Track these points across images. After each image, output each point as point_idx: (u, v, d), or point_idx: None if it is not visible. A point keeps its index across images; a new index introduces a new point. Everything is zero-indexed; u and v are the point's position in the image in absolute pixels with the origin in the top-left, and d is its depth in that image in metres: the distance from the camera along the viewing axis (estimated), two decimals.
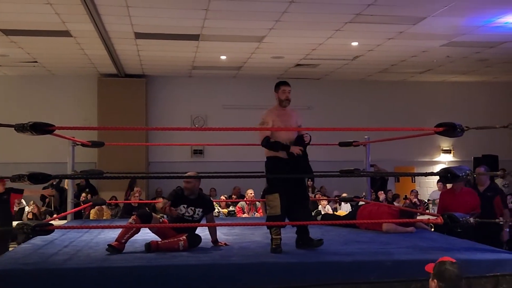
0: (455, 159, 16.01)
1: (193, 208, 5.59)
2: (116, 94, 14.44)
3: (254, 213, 11.42)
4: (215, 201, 12.20)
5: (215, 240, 5.61)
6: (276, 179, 5.38)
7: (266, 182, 5.68)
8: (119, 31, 10.25)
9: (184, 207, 5.59)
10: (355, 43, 11.32)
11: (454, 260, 3.54)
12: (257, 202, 11.57)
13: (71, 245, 5.62)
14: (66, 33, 10.27)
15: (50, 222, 5.01)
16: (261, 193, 9.98)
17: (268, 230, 5.34)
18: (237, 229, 6.80)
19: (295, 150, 5.40)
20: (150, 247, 5.13)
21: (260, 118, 5.72)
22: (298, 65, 13.51)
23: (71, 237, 6.11)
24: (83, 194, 11.78)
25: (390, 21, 9.62)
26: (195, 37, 10.71)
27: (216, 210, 11.88)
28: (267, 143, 5.41)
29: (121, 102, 14.40)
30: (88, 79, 14.68)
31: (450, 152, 16.22)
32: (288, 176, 5.40)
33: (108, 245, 5.14)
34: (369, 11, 9.05)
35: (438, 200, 8.70)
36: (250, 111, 15.30)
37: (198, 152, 15.29)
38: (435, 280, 3.45)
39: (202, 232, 5.73)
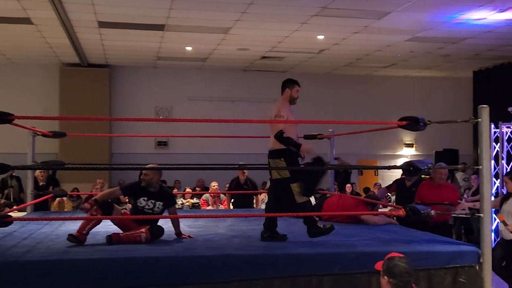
0: (417, 153, 16.27)
1: (153, 201, 5.52)
2: (79, 84, 14.18)
3: (219, 206, 11.40)
4: (179, 193, 12.16)
5: (178, 233, 5.57)
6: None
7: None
8: (82, 20, 10.06)
9: (144, 200, 5.51)
10: (321, 37, 11.37)
11: (402, 255, 3.58)
12: (221, 195, 11.55)
13: (30, 237, 5.50)
14: (27, 20, 10.02)
15: (9, 214, 4.89)
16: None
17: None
18: (201, 221, 6.77)
19: (308, 147, 5.55)
20: (111, 239, 5.06)
21: (276, 108, 5.64)
22: (264, 57, 13.50)
23: (30, 229, 5.98)
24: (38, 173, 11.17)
25: (355, 15, 9.69)
26: (160, 27, 10.59)
27: (180, 202, 11.81)
28: (281, 136, 5.43)
29: (83, 93, 14.16)
30: (50, 68, 14.37)
31: (413, 146, 16.48)
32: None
33: (69, 234, 5.05)
34: (335, 5, 9.09)
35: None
36: (216, 103, 15.29)
37: (162, 143, 15.16)
38: (386, 277, 3.48)
39: (165, 224, 5.68)
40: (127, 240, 5.10)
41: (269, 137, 5.70)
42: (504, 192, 7.48)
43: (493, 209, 6.19)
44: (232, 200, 10.95)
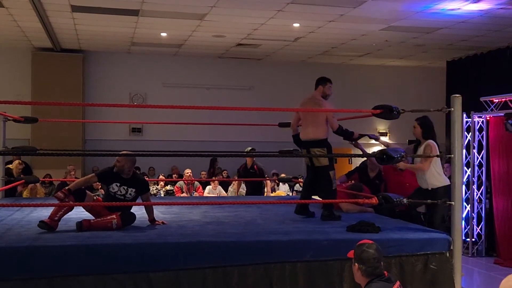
0: (391, 142, 16.38)
1: (125, 188, 5.49)
2: (52, 69, 13.97)
3: (193, 193, 11.39)
4: (153, 180, 12.11)
5: (152, 219, 5.55)
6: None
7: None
8: (54, 3, 9.87)
9: (116, 185, 5.48)
10: (296, 24, 11.36)
11: (371, 242, 3.62)
12: (195, 182, 11.54)
13: (1, 223, 5.44)
14: None
15: None
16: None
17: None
18: (175, 208, 6.76)
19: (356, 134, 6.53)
20: (81, 226, 5.02)
21: (328, 106, 6.36)
22: (239, 44, 13.45)
23: (1, 216, 5.91)
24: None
25: (331, 3, 9.70)
26: (134, 12, 10.46)
27: (154, 189, 11.78)
28: (342, 129, 6.26)
29: (56, 78, 13.95)
30: (22, 53, 14.11)
31: (386, 135, 16.63)
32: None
33: (40, 221, 5.00)
34: None
35: None
36: (191, 89, 15.21)
37: (136, 130, 15.04)
38: (356, 264, 3.52)
39: (139, 211, 5.65)
40: (98, 227, 5.06)
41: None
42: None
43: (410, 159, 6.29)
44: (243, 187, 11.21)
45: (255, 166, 10.32)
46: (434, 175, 5.71)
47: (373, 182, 7.49)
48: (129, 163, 5.54)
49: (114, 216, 5.16)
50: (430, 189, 5.70)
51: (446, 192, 5.53)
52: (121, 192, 5.48)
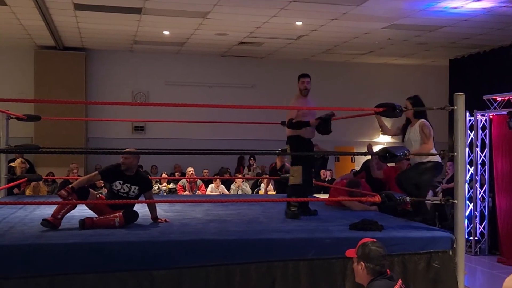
0: (394, 140, 16.38)
1: (128, 185, 5.49)
2: (54, 68, 13.98)
3: (196, 191, 11.39)
4: (156, 178, 12.12)
5: (154, 217, 5.55)
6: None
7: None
8: (57, 1, 9.88)
9: (119, 183, 5.48)
10: (299, 23, 11.35)
11: (374, 240, 3.62)
12: (198, 180, 11.54)
13: (4, 221, 5.44)
14: (0, 1, 9.81)
15: None
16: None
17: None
18: (178, 206, 6.76)
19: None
20: (84, 224, 5.02)
21: (295, 103, 6.70)
22: (242, 43, 13.44)
23: (4, 214, 5.91)
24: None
25: (334, 1, 9.68)
26: (137, 11, 10.46)
27: (157, 187, 11.78)
28: (292, 123, 6.32)
29: (59, 76, 13.96)
30: (25, 51, 14.12)
31: None
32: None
33: (43, 219, 5.00)
34: None
35: None
36: (193, 88, 15.21)
37: (139, 128, 15.05)
38: (362, 263, 3.50)
39: (142, 209, 5.66)
40: (101, 225, 5.06)
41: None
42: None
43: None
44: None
45: (283, 169, 10.26)
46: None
47: (379, 181, 7.48)
48: (136, 160, 5.56)
49: (117, 214, 5.16)
50: (422, 161, 5.65)
51: (434, 167, 5.59)
52: (124, 189, 5.48)
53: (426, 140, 5.65)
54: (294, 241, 4.73)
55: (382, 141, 16.49)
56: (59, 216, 5.07)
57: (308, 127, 6.27)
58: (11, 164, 9.29)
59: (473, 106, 9.90)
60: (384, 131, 6.41)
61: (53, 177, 11.41)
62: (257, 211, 6.38)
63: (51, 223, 4.97)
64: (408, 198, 5.24)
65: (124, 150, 5.67)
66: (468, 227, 9.84)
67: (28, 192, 10.32)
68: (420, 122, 5.70)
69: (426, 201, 5.85)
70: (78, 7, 10.20)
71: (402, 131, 5.96)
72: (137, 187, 5.51)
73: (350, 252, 3.64)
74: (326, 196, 9.55)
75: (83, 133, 14.30)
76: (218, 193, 11.22)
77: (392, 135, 6.28)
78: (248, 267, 4.48)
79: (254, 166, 14.25)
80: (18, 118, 7.44)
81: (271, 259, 4.55)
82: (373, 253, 3.48)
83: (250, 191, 11.57)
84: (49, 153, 10.20)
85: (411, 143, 5.77)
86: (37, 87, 13.94)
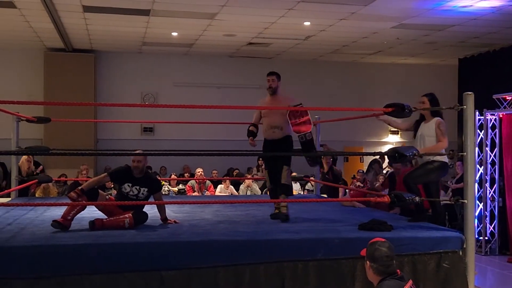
0: (403, 140, 16.37)
1: (138, 188, 5.50)
2: (64, 70, 14.05)
3: (205, 192, 11.40)
4: (165, 179, 12.15)
5: (164, 218, 5.56)
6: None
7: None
8: (66, 4, 9.94)
9: (129, 185, 5.49)
10: (307, 23, 11.34)
11: (384, 240, 3.61)
12: (207, 181, 11.56)
13: (15, 222, 5.47)
14: (10, 4, 9.88)
15: None
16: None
17: None
18: (187, 207, 6.78)
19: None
20: (94, 225, 5.04)
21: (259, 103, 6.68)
22: (250, 43, 13.45)
23: (15, 215, 5.95)
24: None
25: (342, 1, 9.67)
26: (145, 12, 10.50)
27: (166, 188, 11.81)
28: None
29: (68, 78, 14.02)
30: (34, 53, 14.21)
31: (398, 133, 16.56)
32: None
33: (54, 221, 5.03)
34: None
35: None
36: (201, 89, 15.24)
37: (148, 129, 15.10)
38: (368, 262, 3.51)
39: (151, 210, 5.67)
40: (111, 226, 5.08)
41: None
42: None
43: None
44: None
45: (330, 173, 10.16)
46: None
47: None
48: (146, 162, 5.61)
49: (126, 215, 5.18)
50: (430, 160, 5.64)
51: (441, 167, 5.58)
52: (133, 192, 5.49)
53: (442, 138, 5.60)
54: (303, 241, 4.73)
55: (391, 141, 16.45)
56: (69, 217, 5.10)
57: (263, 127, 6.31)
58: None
59: (482, 105, 9.86)
60: (395, 126, 6.38)
61: (63, 179, 11.47)
62: (266, 211, 6.38)
63: (61, 224, 5.00)
64: (417, 198, 5.22)
65: (134, 152, 5.68)
66: (478, 227, 9.79)
67: (38, 193, 10.40)
68: (436, 120, 5.68)
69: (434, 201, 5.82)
70: (87, 9, 10.25)
71: (414, 127, 5.92)
72: (146, 189, 5.53)
73: (364, 251, 3.64)
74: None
75: (92, 135, 14.36)
76: (227, 194, 11.22)
77: (404, 129, 6.20)
78: (257, 268, 4.48)
79: (263, 167, 14.21)
80: (28, 120, 7.49)
81: (280, 259, 4.54)
82: (378, 253, 3.47)
83: (259, 191, 11.57)
84: (59, 154, 10.19)
85: (424, 138, 5.72)
86: (47, 89, 14.02)
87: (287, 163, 6.09)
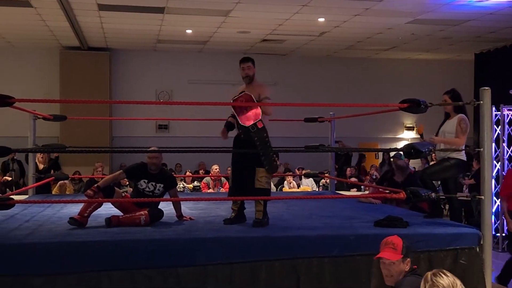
0: (418, 136, 16.25)
1: (153, 184, 5.53)
2: (79, 68, 14.15)
3: (220, 189, 11.43)
4: (180, 176, 12.19)
5: (180, 215, 5.58)
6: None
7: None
8: (81, 2, 10.01)
9: (144, 182, 5.52)
10: (321, 19, 11.31)
11: (399, 238, 3.61)
12: (222, 178, 11.58)
13: (32, 219, 5.53)
14: (26, 3, 9.97)
15: (11, 196, 4.90)
16: None
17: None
18: (202, 203, 6.80)
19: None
20: (110, 222, 5.07)
21: None
22: (264, 40, 13.44)
23: (32, 212, 6.01)
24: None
25: None
26: (160, 10, 10.53)
27: (181, 185, 11.86)
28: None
29: (84, 76, 14.12)
30: (50, 52, 14.33)
31: (413, 129, 16.47)
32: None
33: (70, 218, 5.07)
34: None
35: None
36: (216, 86, 15.24)
37: (163, 127, 15.16)
38: (409, 259, 3.54)
39: (167, 207, 5.70)
40: (127, 223, 5.11)
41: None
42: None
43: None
44: None
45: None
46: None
47: (402, 188, 7.43)
48: (162, 158, 5.63)
49: (142, 212, 5.21)
50: (446, 157, 5.62)
51: (458, 165, 5.54)
52: (149, 188, 5.52)
53: (461, 135, 5.58)
54: (319, 238, 4.72)
55: (407, 137, 16.36)
56: (85, 214, 5.14)
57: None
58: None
59: (499, 100, 9.75)
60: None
61: (79, 176, 11.56)
62: (281, 208, 6.38)
63: (78, 221, 5.04)
64: (433, 195, 5.19)
65: (149, 149, 5.71)
66: (495, 223, 9.71)
67: (55, 191, 10.50)
68: (459, 116, 5.65)
69: (452, 198, 5.78)
70: (102, 7, 10.31)
71: (439, 126, 5.92)
72: (162, 185, 5.56)
73: (391, 256, 3.52)
74: (349, 193, 9.52)
75: (108, 132, 14.45)
76: None
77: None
78: (273, 264, 4.48)
79: (277, 163, 14.21)
80: (44, 118, 7.54)
81: (295, 256, 4.54)
82: (410, 246, 3.59)
83: (274, 188, 11.58)
84: (75, 152, 10.28)
85: (444, 135, 5.72)
86: (63, 87, 14.13)
87: (262, 164, 5.33)
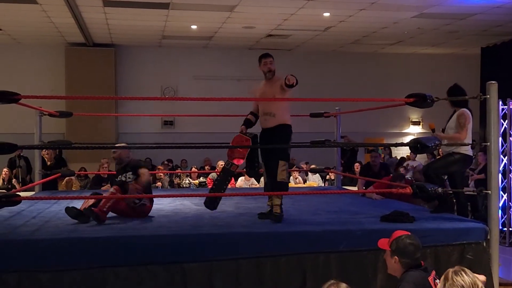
0: (424, 131, 16.21)
1: (125, 174, 5.84)
2: (84, 64, 14.16)
3: None
4: (186, 172, 12.20)
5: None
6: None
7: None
8: None
9: (120, 176, 5.89)
10: (326, 14, 11.27)
11: (408, 233, 3.58)
12: None
13: (39, 216, 5.54)
14: (31, 0, 9.98)
15: (17, 193, 4.91)
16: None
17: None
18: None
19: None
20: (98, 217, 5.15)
21: None
22: (269, 35, 13.41)
23: (39, 208, 6.03)
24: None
25: None
26: (165, 6, 10.52)
27: (187, 181, 11.87)
28: None
29: (89, 72, 14.13)
30: (55, 48, 14.35)
31: (419, 124, 16.42)
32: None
33: (89, 208, 5.12)
34: None
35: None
36: (221, 81, 15.24)
37: (168, 123, 15.17)
38: (396, 257, 3.48)
39: (172, 202, 5.69)
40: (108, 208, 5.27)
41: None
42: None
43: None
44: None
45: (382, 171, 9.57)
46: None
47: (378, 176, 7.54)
48: (125, 152, 6.01)
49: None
50: (451, 152, 5.62)
51: (464, 160, 5.54)
52: (122, 179, 5.81)
53: (460, 130, 5.58)
54: (325, 233, 4.72)
55: (413, 131, 16.32)
56: (105, 209, 5.19)
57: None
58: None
59: (506, 94, 9.69)
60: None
61: (86, 172, 11.59)
62: (287, 204, 6.37)
63: (98, 216, 5.06)
64: (440, 189, 5.17)
65: (153, 145, 5.75)
66: (502, 218, 9.67)
67: (61, 187, 10.53)
68: (459, 111, 5.66)
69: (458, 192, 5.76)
70: (107, 3, 10.31)
71: (447, 122, 5.93)
72: (130, 172, 5.85)
73: (383, 244, 3.61)
74: (355, 188, 9.50)
75: (113, 129, 14.47)
76: (248, 186, 11.23)
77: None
78: (279, 260, 4.48)
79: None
80: (50, 115, 7.57)
81: (301, 251, 4.54)
82: (408, 248, 3.45)
83: None
84: (81, 148, 10.34)
85: (447, 131, 5.74)
86: (68, 83, 14.15)
87: (283, 157, 5.36)
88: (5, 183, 11.48)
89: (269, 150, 5.43)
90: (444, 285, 2.82)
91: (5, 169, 11.74)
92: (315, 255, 4.55)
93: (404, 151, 15.30)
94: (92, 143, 9.20)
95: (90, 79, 13.99)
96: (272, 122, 5.50)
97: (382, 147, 14.19)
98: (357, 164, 12.45)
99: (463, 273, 2.81)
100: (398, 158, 15.94)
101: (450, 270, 2.86)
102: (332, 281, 2.86)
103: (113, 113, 13.99)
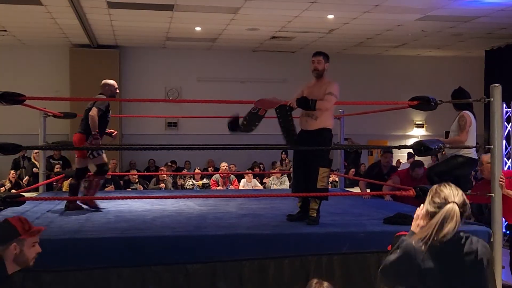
0: (428, 133, 16.20)
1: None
2: (89, 65, 14.18)
3: (229, 186, 11.44)
4: (189, 174, 12.22)
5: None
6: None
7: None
8: (91, 0, 10.04)
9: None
10: (330, 16, 11.28)
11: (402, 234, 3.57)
12: (231, 175, 11.60)
13: (43, 216, 5.56)
14: (36, 1, 10.01)
15: (21, 193, 4.93)
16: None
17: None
18: (212, 200, 6.80)
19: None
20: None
21: None
22: (273, 37, 13.43)
23: (43, 209, 6.05)
24: (57, 166, 11.68)
25: None
26: (169, 7, 10.54)
27: (191, 182, 11.90)
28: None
29: (93, 74, 14.11)
30: (60, 50, 14.39)
31: (423, 126, 16.40)
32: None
33: (90, 204, 5.40)
34: None
35: None
36: (225, 83, 15.27)
37: (172, 124, 15.19)
38: None
39: (176, 203, 5.69)
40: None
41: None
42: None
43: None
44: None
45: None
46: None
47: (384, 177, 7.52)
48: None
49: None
50: (454, 155, 5.62)
51: (467, 163, 5.55)
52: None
53: (460, 132, 5.58)
54: (328, 235, 4.72)
55: (416, 134, 16.30)
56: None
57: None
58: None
59: (510, 97, 9.68)
60: None
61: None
62: (290, 205, 6.38)
63: (97, 207, 5.18)
64: None
65: (158, 146, 5.76)
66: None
67: (65, 188, 10.55)
68: (460, 114, 5.66)
69: None
70: (111, 5, 10.34)
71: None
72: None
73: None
74: (358, 190, 9.48)
75: (117, 130, 14.44)
76: (250, 188, 11.25)
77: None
78: (282, 261, 4.48)
79: (286, 161, 14.25)
80: (55, 116, 7.60)
81: (304, 253, 4.54)
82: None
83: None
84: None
85: (450, 134, 5.75)
86: (73, 85, 14.19)
87: (324, 164, 5.17)
88: (13, 184, 11.53)
89: (309, 154, 5.21)
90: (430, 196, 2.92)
91: (12, 171, 11.79)
92: (318, 257, 4.54)
93: (401, 154, 15.31)
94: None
95: (94, 80, 13.90)
96: (313, 125, 5.27)
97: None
98: (352, 170, 12.43)
99: (446, 184, 2.95)
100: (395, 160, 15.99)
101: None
102: (315, 280, 2.93)
103: (117, 114, 14.01)
